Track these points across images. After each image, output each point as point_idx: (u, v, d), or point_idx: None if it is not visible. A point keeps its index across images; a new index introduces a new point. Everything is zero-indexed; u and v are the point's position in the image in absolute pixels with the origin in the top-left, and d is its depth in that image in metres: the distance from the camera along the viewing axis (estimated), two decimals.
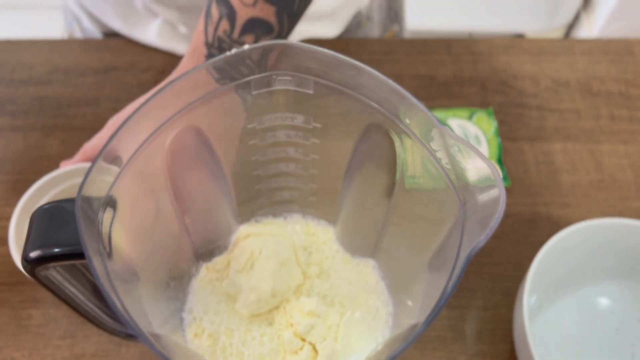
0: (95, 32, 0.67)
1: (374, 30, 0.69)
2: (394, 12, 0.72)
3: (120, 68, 0.60)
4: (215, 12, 0.40)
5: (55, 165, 0.54)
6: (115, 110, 0.58)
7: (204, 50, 0.41)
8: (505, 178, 0.52)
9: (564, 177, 0.54)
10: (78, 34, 0.70)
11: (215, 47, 0.41)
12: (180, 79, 0.29)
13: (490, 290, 0.48)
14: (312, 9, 0.60)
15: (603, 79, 0.60)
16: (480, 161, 0.26)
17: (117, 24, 0.63)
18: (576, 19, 1.49)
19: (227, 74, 0.31)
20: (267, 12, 0.40)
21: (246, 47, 0.29)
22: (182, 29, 0.60)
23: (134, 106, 0.45)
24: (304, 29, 0.62)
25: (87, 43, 0.63)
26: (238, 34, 0.40)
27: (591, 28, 1.40)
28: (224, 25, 0.40)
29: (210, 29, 0.41)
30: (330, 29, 0.64)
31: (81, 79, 0.60)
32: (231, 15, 0.40)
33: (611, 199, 0.52)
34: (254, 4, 0.39)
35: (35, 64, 0.60)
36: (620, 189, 0.53)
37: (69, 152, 0.55)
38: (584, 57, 0.61)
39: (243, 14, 0.40)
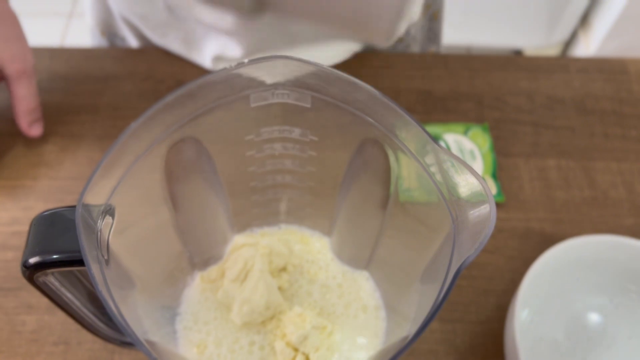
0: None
1: (412, 50, 0.70)
2: (433, 33, 0.73)
3: (120, 77, 0.61)
4: None
5: (53, 171, 0.54)
6: (114, 118, 0.58)
7: None
8: (499, 193, 0.53)
9: (557, 193, 0.54)
10: None
11: None
12: (180, 90, 0.29)
13: (483, 304, 0.48)
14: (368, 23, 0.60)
15: (597, 97, 0.61)
16: (472, 177, 0.26)
17: (178, 48, 0.62)
18: (574, 36, 1.51)
19: (227, 86, 0.32)
20: None
21: (246, 60, 0.30)
22: (236, 52, 0.60)
23: None
24: (352, 47, 0.62)
25: (88, 52, 0.63)
26: None
27: (588, 45, 1.42)
28: None
29: None
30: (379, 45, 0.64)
31: (81, 86, 0.60)
32: None
33: (604, 216, 0.53)
34: None
35: (36, 71, 0.61)
36: (613, 206, 0.54)
37: (67, 158, 0.55)
38: (580, 75, 0.62)
39: None
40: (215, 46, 0.60)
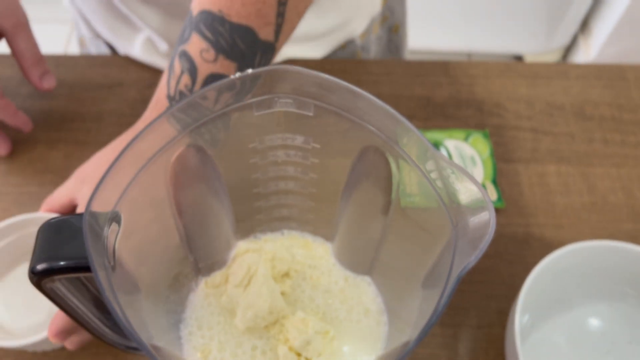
0: (99, 45, 0.69)
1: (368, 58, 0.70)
2: (394, 46, 0.73)
3: (125, 84, 0.62)
4: (177, 66, 0.41)
5: (58, 178, 0.55)
6: (119, 125, 0.59)
7: (165, 103, 0.42)
8: (499, 199, 0.53)
9: (557, 198, 0.55)
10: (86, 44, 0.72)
11: (176, 100, 0.41)
12: (185, 99, 0.30)
13: (483, 309, 0.49)
14: (298, 32, 0.61)
15: (596, 104, 0.61)
16: (472, 184, 0.27)
17: (108, 35, 0.64)
18: (574, 42, 1.52)
19: (231, 94, 0.32)
20: (228, 69, 0.40)
21: (250, 70, 0.30)
22: (162, 46, 0.62)
23: (98, 157, 0.46)
24: (286, 51, 0.63)
25: (92, 59, 0.64)
26: (199, 88, 0.40)
27: (588, 51, 1.42)
28: (185, 79, 0.40)
29: (173, 83, 0.41)
30: (314, 52, 0.65)
31: (86, 93, 0.61)
32: (192, 70, 0.40)
33: (603, 221, 0.53)
34: (215, 60, 0.40)
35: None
36: (612, 212, 0.54)
37: (72, 165, 0.56)
38: (578, 81, 0.63)
39: (204, 69, 0.40)
40: (143, 37, 0.62)
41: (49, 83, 0.53)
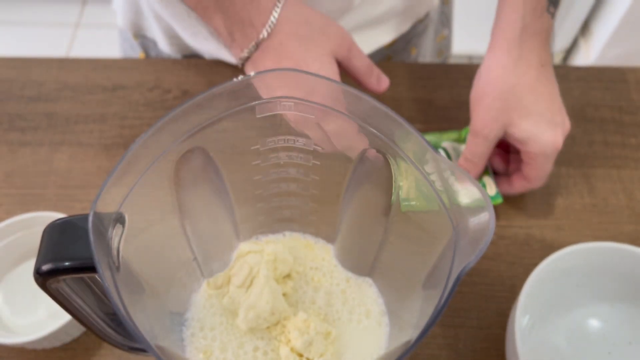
0: (172, 54, 0.67)
1: (430, 32, 0.72)
2: (445, 17, 0.75)
3: (127, 86, 0.62)
4: None
5: (62, 179, 0.55)
6: (122, 127, 0.59)
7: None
8: (497, 194, 0.53)
9: (558, 200, 0.55)
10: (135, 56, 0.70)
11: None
12: (188, 102, 0.30)
13: (484, 310, 0.49)
14: (384, 8, 0.62)
15: (597, 106, 0.61)
16: (472, 185, 0.27)
17: (207, 47, 0.63)
18: (574, 45, 1.52)
19: (234, 97, 0.32)
20: None
21: (252, 73, 0.31)
22: None
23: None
24: (370, 33, 0.63)
25: (95, 62, 0.64)
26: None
27: (588, 53, 1.43)
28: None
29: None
30: (398, 28, 0.66)
31: (89, 96, 0.61)
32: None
33: (604, 223, 0.54)
34: None
35: (45, 81, 0.62)
36: (613, 213, 0.54)
37: (76, 167, 0.56)
38: (579, 83, 0.63)
39: None
40: None
41: (385, 83, 0.51)
